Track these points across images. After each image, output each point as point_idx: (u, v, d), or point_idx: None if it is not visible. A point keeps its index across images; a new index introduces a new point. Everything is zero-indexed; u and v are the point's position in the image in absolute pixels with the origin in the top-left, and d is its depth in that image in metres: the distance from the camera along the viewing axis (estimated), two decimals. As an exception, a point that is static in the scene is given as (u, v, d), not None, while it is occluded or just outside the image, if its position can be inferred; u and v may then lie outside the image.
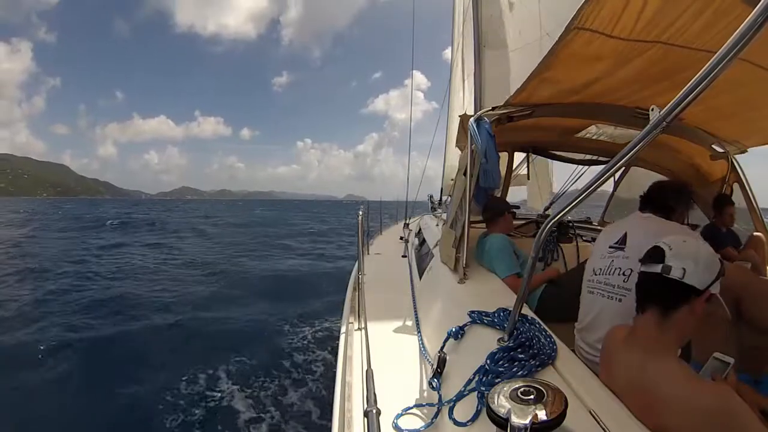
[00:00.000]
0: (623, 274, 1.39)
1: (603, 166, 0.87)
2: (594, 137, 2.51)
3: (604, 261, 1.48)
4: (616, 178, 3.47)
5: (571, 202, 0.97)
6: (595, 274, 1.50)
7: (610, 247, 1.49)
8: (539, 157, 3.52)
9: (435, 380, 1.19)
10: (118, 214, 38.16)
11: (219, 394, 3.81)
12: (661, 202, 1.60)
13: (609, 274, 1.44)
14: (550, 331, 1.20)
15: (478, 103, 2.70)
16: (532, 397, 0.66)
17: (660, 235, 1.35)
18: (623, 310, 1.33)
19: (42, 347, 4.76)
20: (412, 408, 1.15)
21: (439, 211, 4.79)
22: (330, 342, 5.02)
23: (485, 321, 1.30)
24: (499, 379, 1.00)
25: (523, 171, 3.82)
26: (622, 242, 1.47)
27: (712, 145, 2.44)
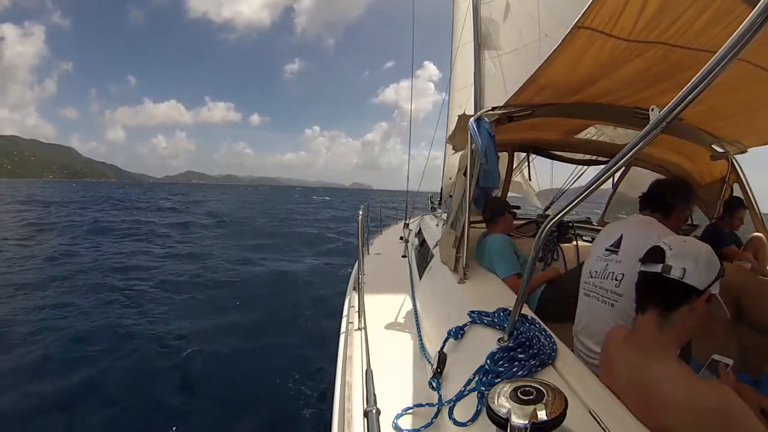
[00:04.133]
0: (616, 279, 1.38)
1: (603, 166, 0.87)
2: (594, 137, 2.51)
3: (600, 263, 1.48)
4: (616, 178, 3.47)
5: (571, 202, 0.97)
6: (592, 277, 1.49)
7: (606, 249, 1.48)
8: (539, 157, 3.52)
9: (435, 380, 1.19)
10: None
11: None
12: (659, 200, 1.58)
13: (603, 278, 1.43)
14: (550, 331, 1.19)
15: (478, 103, 2.70)
16: (532, 397, 0.66)
17: (652, 239, 1.35)
18: (616, 315, 1.33)
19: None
20: (412, 408, 1.15)
21: (439, 211, 4.78)
22: (330, 341, 5.00)
23: (485, 321, 1.30)
24: (499, 379, 1.00)
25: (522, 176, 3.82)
26: (617, 245, 1.45)
27: (712, 145, 2.44)
